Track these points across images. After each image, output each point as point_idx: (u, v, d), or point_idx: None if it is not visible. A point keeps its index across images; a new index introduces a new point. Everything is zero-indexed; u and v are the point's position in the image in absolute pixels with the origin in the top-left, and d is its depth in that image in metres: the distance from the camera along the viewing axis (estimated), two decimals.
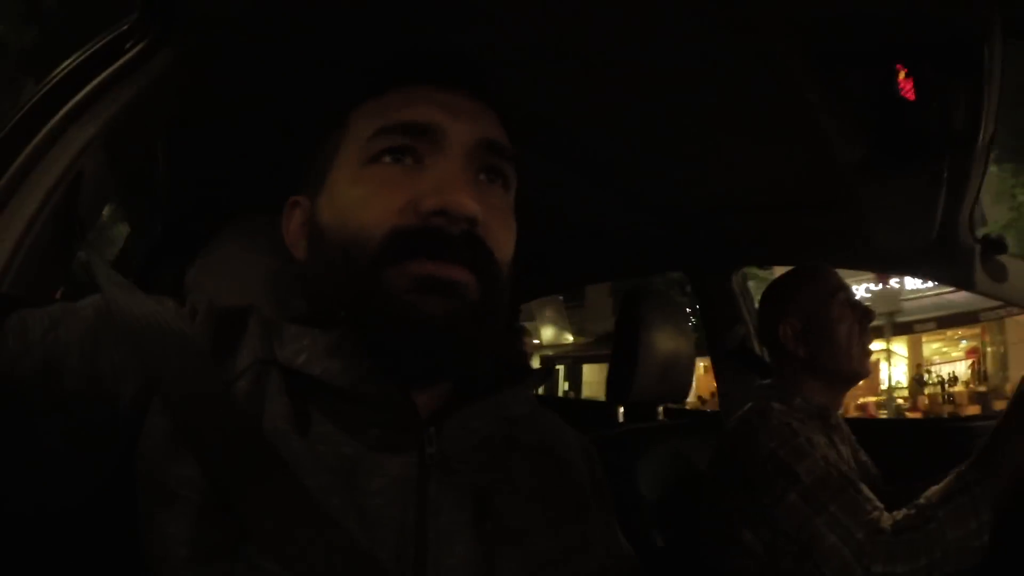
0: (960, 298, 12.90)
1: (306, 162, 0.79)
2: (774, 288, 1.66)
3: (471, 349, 0.68)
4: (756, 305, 2.00)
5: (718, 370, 2.38)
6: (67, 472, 0.59)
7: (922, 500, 1.22)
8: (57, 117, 0.91)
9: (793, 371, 1.57)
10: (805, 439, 1.35)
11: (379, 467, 0.64)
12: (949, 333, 13.96)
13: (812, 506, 1.26)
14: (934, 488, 1.23)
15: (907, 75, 0.96)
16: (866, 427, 1.95)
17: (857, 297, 1.60)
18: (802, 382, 1.55)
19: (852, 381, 1.58)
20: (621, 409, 2.06)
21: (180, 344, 0.64)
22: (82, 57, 0.96)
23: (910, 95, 0.97)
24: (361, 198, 0.68)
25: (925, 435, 2.10)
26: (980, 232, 1.74)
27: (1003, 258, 1.77)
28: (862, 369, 1.56)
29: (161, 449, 0.59)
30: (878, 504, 1.27)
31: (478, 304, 0.67)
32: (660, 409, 2.07)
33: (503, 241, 0.70)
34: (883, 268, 2.22)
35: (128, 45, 0.95)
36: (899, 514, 1.23)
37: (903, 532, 1.19)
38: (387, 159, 0.69)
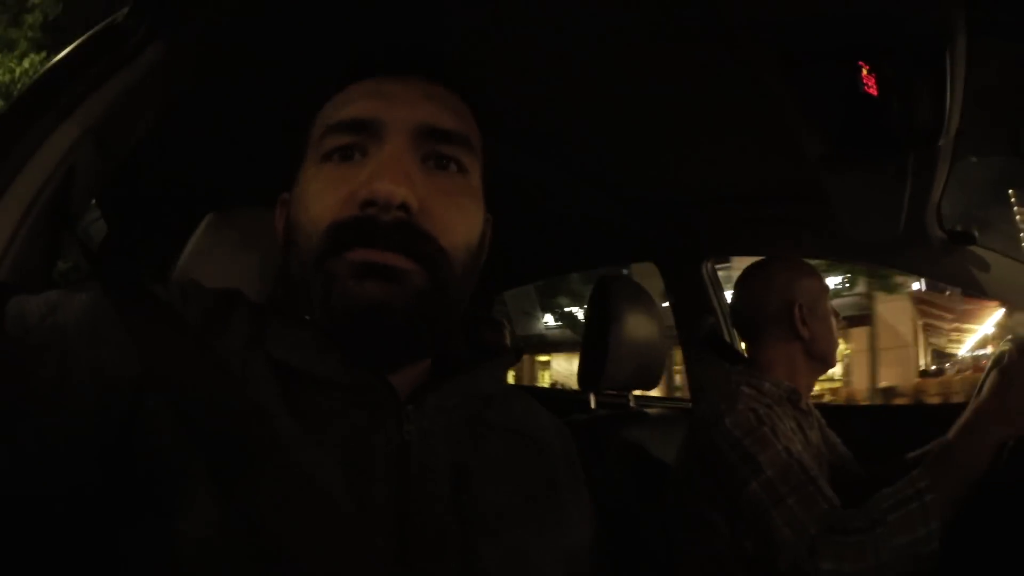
0: None
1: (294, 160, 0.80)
2: (778, 270, 1.66)
3: (419, 332, 0.68)
4: (727, 294, 2.02)
5: (688, 359, 2.41)
6: (67, 456, 0.59)
7: (873, 502, 1.25)
8: (50, 112, 0.92)
9: (782, 348, 1.60)
10: (769, 429, 1.37)
11: (362, 445, 0.65)
12: None
13: (772, 497, 1.29)
14: (887, 490, 1.25)
15: (870, 72, 0.97)
16: (837, 412, 1.98)
17: None
18: (786, 361, 1.59)
19: (829, 368, 1.66)
20: (593, 396, 2.07)
21: (175, 325, 0.65)
22: (74, 51, 0.96)
23: (873, 91, 0.99)
24: (312, 195, 0.69)
25: (895, 420, 2.14)
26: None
27: (974, 249, 1.81)
28: (836, 359, 1.65)
29: (160, 429, 0.60)
30: (834, 501, 1.29)
31: (424, 291, 0.66)
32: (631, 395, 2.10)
33: (452, 225, 0.70)
34: (852, 259, 2.26)
35: (120, 38, 0.95)
36: (852, 514, 1.26)
37: (852, 534, 1.22)
38: (336, 157, 0.70)
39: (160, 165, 1.41)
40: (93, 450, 0.59)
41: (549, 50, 1.09)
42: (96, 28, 0.97)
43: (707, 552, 1.40)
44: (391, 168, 0.66)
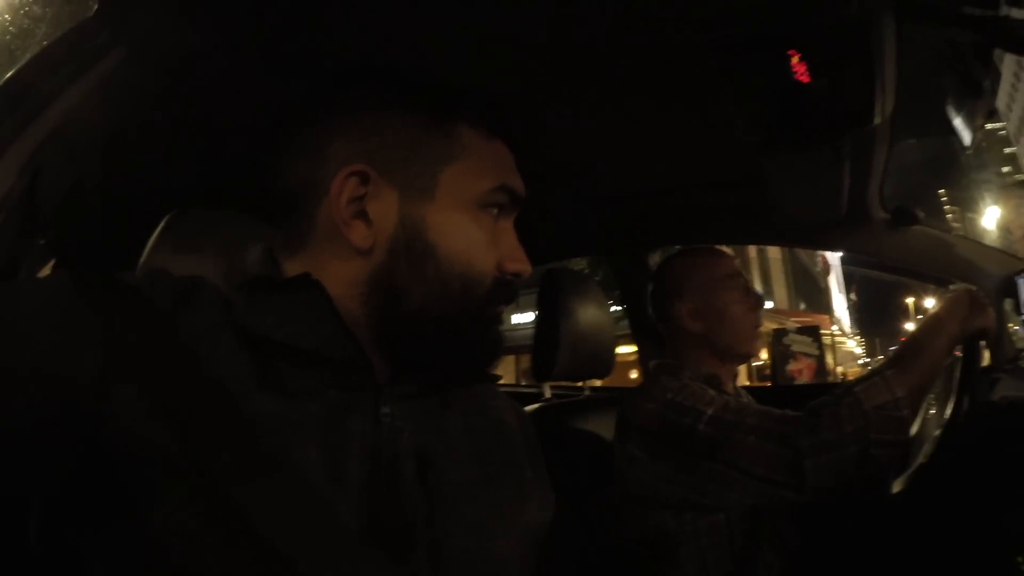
0: None
1: (377, 135, 0.77)
2: (671, 268, 1.72)
3: None
4: None
5: (641, 347, 2.44)
6: (30, 450, 0.58)
7: (837, 388, 1.32)
8: (18, 113, 0.93)
9: (685, 344, 1.63)
10: (698, 386, 1.44)
11: (337, 424, 0.69)
12: None
13: (724, 426, 1.33)
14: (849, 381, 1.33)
15: (800, 60, 0.98)
16: (776, 393, 2.00)
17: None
18: (694, 355, 1.61)
19: (742, 358, 1.65)
20: (548, 386, 2.07)
21: (144, 310, 0.66)
22: (41, 54, 0.97)
23: (804, 78, 1.00)
24: (481, 244, 0.79)
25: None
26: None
27: (919, 228, 1.84)
28: (751, 349, 1.64)
29: (129, 420, 0.59)
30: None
31: None
32: (586, 385, 2.11)
33: None
34: (798, 243, 2.29)
35: (86, 41, 0.96)
36: (815, 402, 1.31)
37: (821, 409, 1.28)
38: (494, 211, 0.81)
39: (120, 165, 1.38)
40: (58, 443, 0.58)
41: (490, 50, 1.09)
42: (64, 32, 0.97)
43: (658, 525, 1.42)
44: (522, 250, 0.83)
